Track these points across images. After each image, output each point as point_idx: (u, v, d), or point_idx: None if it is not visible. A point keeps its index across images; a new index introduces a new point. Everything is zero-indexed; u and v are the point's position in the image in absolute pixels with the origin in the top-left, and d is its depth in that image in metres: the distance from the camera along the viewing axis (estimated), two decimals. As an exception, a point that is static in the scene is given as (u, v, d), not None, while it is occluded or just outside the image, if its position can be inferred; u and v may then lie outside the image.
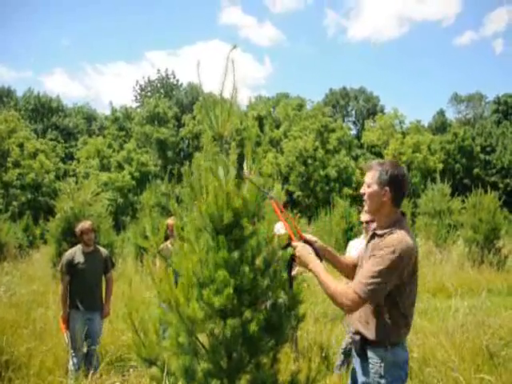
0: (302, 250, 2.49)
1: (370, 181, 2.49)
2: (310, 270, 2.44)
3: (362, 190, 2.57)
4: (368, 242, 2.61)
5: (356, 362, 2.58)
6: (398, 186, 2.46)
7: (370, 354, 2.44)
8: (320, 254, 2.55)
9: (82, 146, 46.88)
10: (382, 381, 2.39)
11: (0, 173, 38.20)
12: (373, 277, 2.28)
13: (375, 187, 2.46)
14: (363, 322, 2.47)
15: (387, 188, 2.44)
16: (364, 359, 2.47)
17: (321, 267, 2.43)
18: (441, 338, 4.96)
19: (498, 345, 5.11)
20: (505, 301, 8.55)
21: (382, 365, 2.39)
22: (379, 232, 2.50)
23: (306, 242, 2.58)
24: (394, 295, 2.37)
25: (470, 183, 37.61)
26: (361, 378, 2.51)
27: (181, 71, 69.59)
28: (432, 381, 3.95)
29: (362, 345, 2.46)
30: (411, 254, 2.36)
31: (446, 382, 3.88)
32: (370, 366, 2.43)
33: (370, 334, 2.43)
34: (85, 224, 5.46)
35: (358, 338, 2.50)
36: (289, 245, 2.58)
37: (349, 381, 2.72)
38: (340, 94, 60.45)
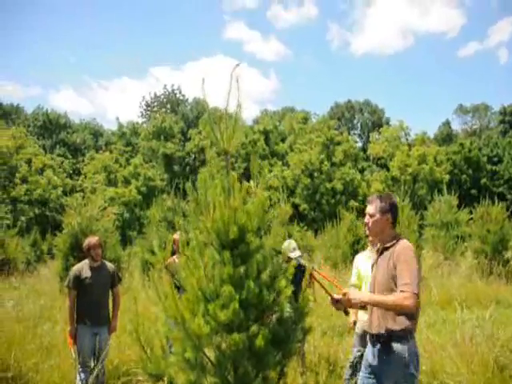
0: (352, 293, 2.97)
1: (374, 211, 3.14)
2: (367, 303, 2.94)
3: (366, 220, 3.20)
4: (378, 256, 3.16)
5: (376, 357, 2.97)
6: (394, 211, 3.15)
7: (395, 347, 2.88)
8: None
9: (89, 161, 47.20)
10: (408, 370, 2.84)
11: (8, 188, 38.45)
12: (412, 273, 2.83)
13: (378, 216, 3.12)
14: (388, 319, 2.92)
15: (388, 214, 3.11)
16: (388, 352, 2.90)
17: (372, 296, 2.96)
18: (449, 350, 4.91)
19: (509, 357, 5.04)
20: (514, 313, 8.46)
21: (407, 355, 2.85)
22: (387, 245, 3.08)
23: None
24: None
25: (477, 194, 37.44)
26: (386, 372, 2.90)
27: (186, 86, 70.13)
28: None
29: (389, 339, 2.90)
30: (416, 253, 3.03)
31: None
32: (396, 357, 2.86)
33: (397, 325, 2.88)
34: (92, 239, 5.49)
35: (383, 332, 2.92)
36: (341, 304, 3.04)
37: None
38: (345, 106, 60.67)
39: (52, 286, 11.43)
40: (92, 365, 4.87)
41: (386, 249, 3.08)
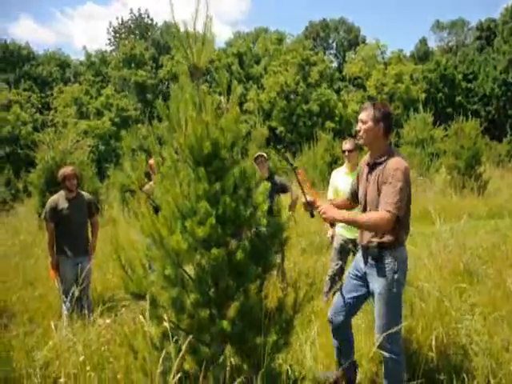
0: (327, 208, 3.03)
1: (366, 118, 3.03)
2: (340, 222, 3.05)
3: (357, 128, 3.09)
4: (369, 171, 3.10)
5: (368, 266, 3.09)
6: (388, 121, 3.03)
7: (385, 254, 2.99)
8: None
9: (58, 94, 45.35)
10: (396, 275, 2.96)
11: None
12: (396, 195, 2.83)
13: (371, 123, 3.01)
14: (378, 232, 2.98)
15: (381, 123, 3.00)
16: (380, 261, 3.01)
17: (347, 214, 3.04)
18: (424, 260, 5.11)
19: (477, 263, 5.31)
20: (484, 224, 8.81)
21: (396, 262, 2.96)
22: (378, 160, 3.03)
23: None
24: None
25: (452, 112, 37.59)
26: (376, 278, 3.02)
27: (154, 10, 66.39)
28: (415, 300, 4.12)
29: (379, 249, 3.00)
30: (409, 170, 2.96)
31: (427, 300, 4.04)
32: (386, 264, 2.97)
33: (386, 237, 2.97)
34: (67, 169, 5.39)
35: (374, 244, 3.03)
36: (312, 206, 3.14)
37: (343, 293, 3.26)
38: (320, 25, 58.68)
39: (30, 223, 11.38)
40: (77, 293, 4.93)
41: (377, 164, 3.03)
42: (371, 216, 2.89)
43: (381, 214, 2.84)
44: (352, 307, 3.25)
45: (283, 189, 5.86)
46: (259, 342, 2.65)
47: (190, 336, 2.35)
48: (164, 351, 2.31)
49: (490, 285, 4.74)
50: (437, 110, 36.43)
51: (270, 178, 5.42)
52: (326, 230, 5.73)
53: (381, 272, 2.99)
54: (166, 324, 2.42)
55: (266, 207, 2.67)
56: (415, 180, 14.30)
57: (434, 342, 3.31)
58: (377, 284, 3.02)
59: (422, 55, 54.28)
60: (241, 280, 2.60)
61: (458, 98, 45.99)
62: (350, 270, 3.33)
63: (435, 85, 45.84)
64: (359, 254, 3.26)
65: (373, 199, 3.03)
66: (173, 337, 2.49)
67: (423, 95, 42.30)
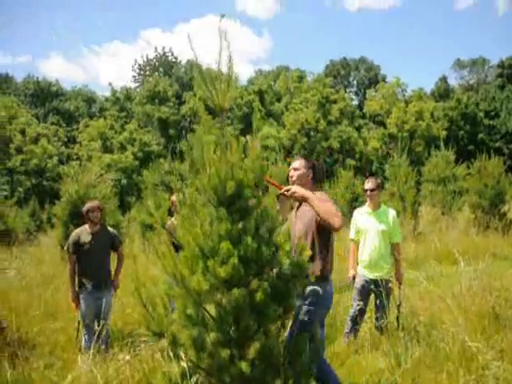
0: (298, 187, 3.29)
1: (299, 166, 3.58)
2: (307, 199, 3.18)
3: (290, 174, 3.59)
4: (297, 208, 3.56)
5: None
6: (315, 170, 3.61)
7: (312, 287, 3.23)
8: None
9: (84, 128, 46.66)
10: (320, 307, 3.29)
11: (4, 160, 38.14)
12: (333, 205, 3.19)
13: (303, 170, 3.56)
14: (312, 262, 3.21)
15: (310, 170, 3.57)
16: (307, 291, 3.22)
17: (314, 196, 3.21)
18: (448, 302, 4.99)
19: (504, 306, 5.14)
20: (510, 265, 8.56)
21: (323, 295, 3.28)
22: None
23: None
24: (328, 234, 3.34)
25: (474, 149, 37.20)
26: (302, 306, 3.24)
27: (178, 49, 68.64)
28: (439, 343, 4.00)
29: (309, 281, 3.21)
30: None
31: (452, 344, 3.92)
32: (310, 292, 3.23)
33: (316, 269, 3.28)
34: (92, 203, 5.54)
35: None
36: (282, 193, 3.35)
37: None
38: (341, 64, 59.60)
39: (53, 254, 11.51)
40: (96, 327, 4.94)
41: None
42: (332, 208, 3.14)
43: (338, 213, 3.14)
44: None
45: None
46: (279, 385, 2.61)
47: (210, 376, 2.33)
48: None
49: (519, 330, 4.57)
50: (458, 147, 36.17)
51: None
52: (347, 269, 5.67)
53: (305, 300, 3.24)
54: (185, 363, 2.41)
55: (288, 247, 2.68)
56: (439, 218, 14.10)
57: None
58: (299, 309, 3.24)
59: (443, 93, 54.41)
60: (262, 320, 2.59)
61: (480, 136, 45.64)
62: None
63: (456, 122, 45.69)
64: None
65: (304, 225, 3.34)
66: (192, 376, 2.48)
67: (444, 133, 42.13)
